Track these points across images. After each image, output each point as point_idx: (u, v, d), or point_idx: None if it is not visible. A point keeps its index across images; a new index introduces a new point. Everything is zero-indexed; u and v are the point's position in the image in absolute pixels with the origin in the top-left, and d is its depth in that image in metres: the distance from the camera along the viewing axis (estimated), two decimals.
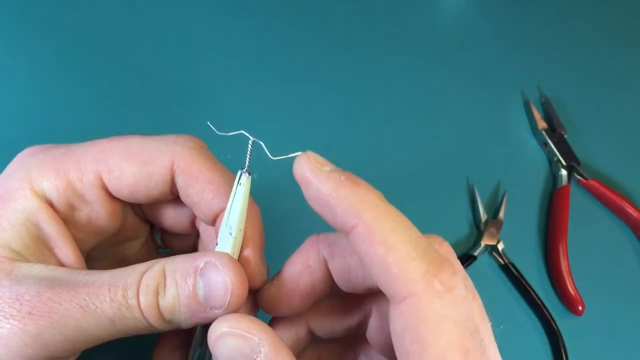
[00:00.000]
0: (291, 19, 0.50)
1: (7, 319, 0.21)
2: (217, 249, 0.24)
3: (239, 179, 0.24)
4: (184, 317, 0.23)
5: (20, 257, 0.23)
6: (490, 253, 0.43)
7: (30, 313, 0.21)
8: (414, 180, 0.45)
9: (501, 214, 0.43)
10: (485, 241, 0.42)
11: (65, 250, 0.24)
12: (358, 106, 0.47)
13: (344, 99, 0.47)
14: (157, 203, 0.28)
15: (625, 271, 0.44)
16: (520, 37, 0.51)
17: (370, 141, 0.46)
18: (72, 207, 0.25)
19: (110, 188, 0.25)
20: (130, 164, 0.25)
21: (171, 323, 0.23)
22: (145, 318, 0.22)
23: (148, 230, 0.31)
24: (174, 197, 0.27)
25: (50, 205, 0.24)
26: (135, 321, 0.22)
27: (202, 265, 0.23)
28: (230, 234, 0.24)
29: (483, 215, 0.43)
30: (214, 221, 0.26)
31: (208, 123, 0.24)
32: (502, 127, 0.48)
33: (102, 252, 0.29)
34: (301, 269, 0.25)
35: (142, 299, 0.22)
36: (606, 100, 0.50)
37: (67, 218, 0.25)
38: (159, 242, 0.31)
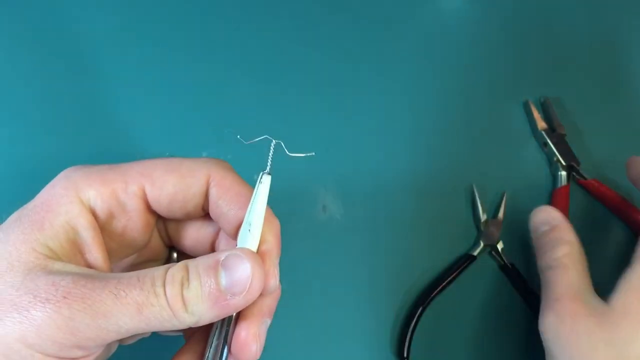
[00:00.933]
0: (289, 18, 0.49)
1: (43, 303, 0.22)
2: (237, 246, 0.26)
3: (260, 178, 0.26)
4: (206, 306, 0.24)
5: (55, 255, 0.24)
6: (490, 253, 0.43)
7: (65, 297, 0.22)
8: (414, 180, 0.45)
9: (501, 214, 0.44)
10: (485, 241, 0.43)
11: (96, 255, 0.26)
12: (357, 106, 0.47)
13: (343, 98, 0.47)
14: (186, 219, 0.30)
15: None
16: (520, 36, 0.51)
17: (369, 141, 0.46)
18: (112, 216, 0.27)
19: (151, 199, 0.27)
20: (172, 176, 0.27)
21: (193, 314, 0.24)
22: (169, 307, 0.23)
23: (167, 255, 0.32)
24: (203, 213, 0.29)
25: (92, 213, 0.26)
26: (160, 310, 0.23)
27: (223, 258, 0.25)
28: (249, 230, 0.26)
29: (482, 215, 0.43)
30: (236, 233, 0.27)
31: (238, 137, 0.27)
32: (502, 127, 0.48)
33: (123, 271, 0.29)
34: None
35: (168, 288, 0.23)
36: (606, 100, 0.50)
37: (104, 226, 0.27)
38: None
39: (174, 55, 0.46)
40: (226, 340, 0.27)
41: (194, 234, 0.31)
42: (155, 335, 0.32)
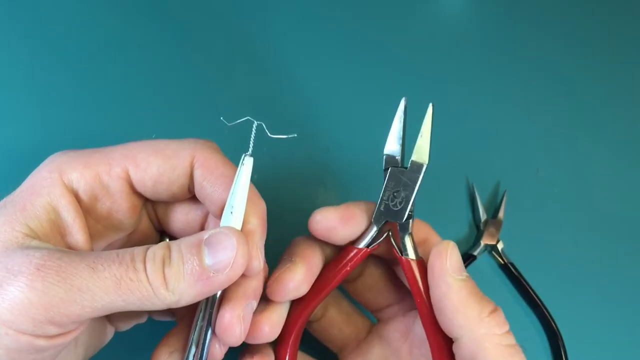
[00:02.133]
0: (293, 15, 0.50)
1: (16, 275, 0.21)
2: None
3: (242, 160, 0.26)
4: (187, 283, 0.24)
5: (34, 234, 0.24)
6: (490, 252, 0.43)
7: (38, 269, 0.22)
8: None
9: (501, 214, 0.44)
10: (485, 241, 0.43)
11: (77, 237, 0.26)
12: (357, 106, 0.47)
13: (343, 98, 0.47)
14: (173, 201, 0.30)
15: (626, 272, 0.44)
16: (520, 37, 0.51)
17: (369, 141, 0.46)
18: (95, 198, 0.27)
19: (135, 181, 0.27)
20: (156, 158, 0.27)
21: (174, 292, 0.23)
22: (149, 283, 0.23)
23: (157, 239, 0.32)
24: (190, 195, 0.29)
25: (76, 195, 0.26)
26: (139, 285, 0.23)
27: (206, 237, 0.25)
28: (231, 212, 0.26)
29: (483, 215, 0.43)
30: (221, 214, 0.27)
31: (221, 118, 0.27)
32: (502, 126, 0.48)
33: None
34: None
35: (148, 264, 0.23)
36: (605, 103, 0.50)
37: (89, 209, 0.27)
38: None
39: (171, 49, 0.46)
40: (210, 322, 0.26)
41: (182, 217, 0.30)
42: (150, 321, 0.32)
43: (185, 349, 0.28)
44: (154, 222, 0.31)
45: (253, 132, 0.26)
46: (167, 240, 0.32)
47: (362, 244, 0.30)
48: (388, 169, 0.30)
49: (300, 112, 0.46)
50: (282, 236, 0.39)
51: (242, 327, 0.26)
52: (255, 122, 0.26)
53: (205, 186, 0.27)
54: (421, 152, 0.29)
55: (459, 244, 0.43)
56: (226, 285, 0.25)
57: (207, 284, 0.24)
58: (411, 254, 0.29)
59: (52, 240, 0.25)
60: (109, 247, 0.29)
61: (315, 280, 0.30)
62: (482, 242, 0.42)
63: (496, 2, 0.53)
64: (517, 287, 0.42)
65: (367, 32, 0.50)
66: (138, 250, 0.24)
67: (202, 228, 0.30)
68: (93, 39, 0.45)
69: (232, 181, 0.27)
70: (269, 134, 0.26)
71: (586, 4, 0.54)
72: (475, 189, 0.44)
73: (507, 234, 0.43)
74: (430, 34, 0.51)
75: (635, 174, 0.47)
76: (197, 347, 0.27)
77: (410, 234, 0.29)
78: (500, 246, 0.43)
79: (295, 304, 0.30)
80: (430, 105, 0.29)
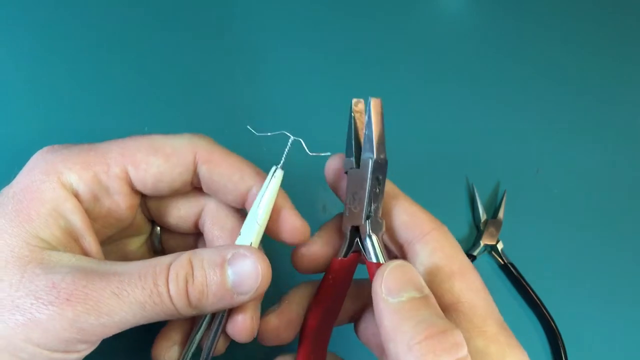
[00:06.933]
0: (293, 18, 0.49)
1: (46, 305, 0.22)
2: (240, 237, 0.26)
3: (274, 172, 0.26)
4: (211, 302, 0.24)
5: (49, 246, 0.24)
6: (490, 253, 0.43)
7: (68, 300, 0.22)
8: (414, 180, 0.44)
9: (501, 214, 0.44)
10: (485, 241, 0.43)
11: (89, 239, 0.26)
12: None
13: (344, 98, 0.47)
14: (173, 194, 0.29)
15: (626, 271, 0.44)
16: (520, 38, 0.51)
17: None
18: (95, 200, 0.26)
19: (136, 181, 0.26)
20: (155, 157, 0.26)
21: (197, 309, 0.24)
22: (173, 304, 0.23)
23: (150, 230, 0.31)
24: (191, 188, 0.28)
25: (76, 196, 0.25)
26: (163, 307, 0.23)
27: (229, 256, 0.24)
28: (257, 222, 0.26)
29: (483, 215, 0.43)
30: (243, 202, 0.27)
31: (248, 127, 0.27)
32: (502, 126, 0.48)
33: (107, 247, 0.29)
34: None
35: (171, 286, 0.23)
36: (604, 103, 0.50)
37: (89, 209, 0.26)
38: (157, 244, 0.32)
39: (170, 49, 0.46)
40: (218, 320, 0.27)
41: (175, 212, 0.30)
42: None
43: (185, 343, 0.28)
44: (145, 213, 0.30)
45: (288, 146, 0.26)
46: (158, 229, 0.31)
47: (340, 255, 0.28)
48: (346, 172, 0.28)
49: (300, 111, 0.46)
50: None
51: (254, 326, 0.27)
52: (292, 138, 0.26)
53: (217, 179, 0.27)
54: (367, 148, 0.27)
55: (459, 244, 0.43)
56: (246, 302, 0.26)
57: (229, 303, 0.25)
58: (373, 257, 0.27)
59: (68, 247, 0.24)
60: (104, 241, 0.29)
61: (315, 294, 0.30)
62: (482, 242, 0.42)
63: (497, 2, 0.53)
64: (517, 287, 0.42)
65: (366, 32, 0.49)
66: (160, 269, 0.24)
67: (196, 224, 0.30)
68: (93, 38, 0.45)
69: (244, 169, 0.27)
70: (308, 152, 0.26)
71: (586, 4, 0.54)
72: (475, 189, 0.44)
73: (507, 234, 0.43)
74: (431, 34, 0.51)
75: (634, 173, 0.47)
76: (202, 343, 0.27)
77: (374, 235, 0.27)
78: (500, 246, 0.43)
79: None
80: (372, 99, 0.26)
